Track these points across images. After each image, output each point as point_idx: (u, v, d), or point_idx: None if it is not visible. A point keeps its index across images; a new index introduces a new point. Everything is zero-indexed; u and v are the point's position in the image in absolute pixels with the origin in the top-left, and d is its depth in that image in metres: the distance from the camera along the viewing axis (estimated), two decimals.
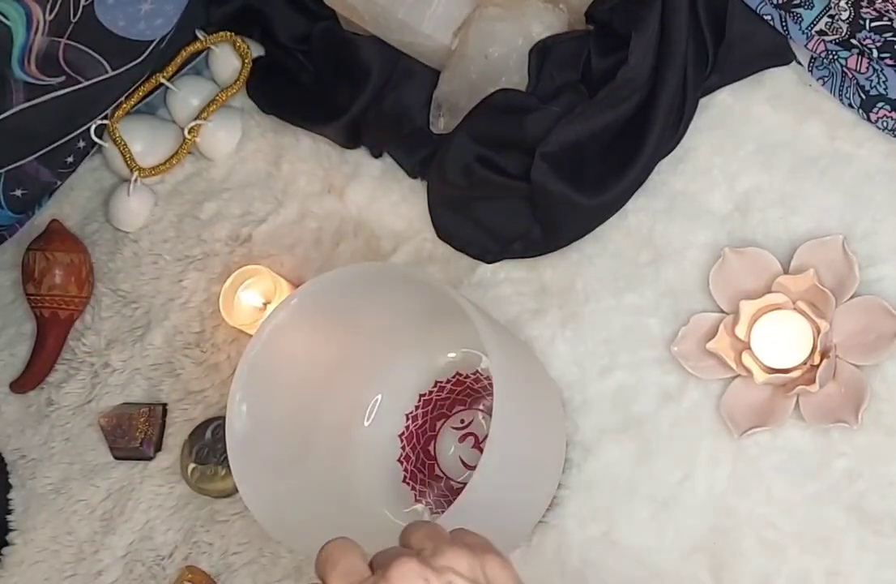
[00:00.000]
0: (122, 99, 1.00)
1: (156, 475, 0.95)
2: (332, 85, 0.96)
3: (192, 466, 0.92)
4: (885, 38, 0.78)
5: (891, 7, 0.77)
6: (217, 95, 1.01)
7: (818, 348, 0.76)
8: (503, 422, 0.69)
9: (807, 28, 0.81)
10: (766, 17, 0.82)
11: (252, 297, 0.93)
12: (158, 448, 0.96)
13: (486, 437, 0.84)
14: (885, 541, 0.74)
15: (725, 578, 0.77)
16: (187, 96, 1.02)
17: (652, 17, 0.81)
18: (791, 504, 0.77)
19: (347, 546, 0.54)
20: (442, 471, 0.86)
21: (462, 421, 0.86)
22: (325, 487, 0.82)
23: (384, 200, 0.95)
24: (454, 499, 0.68)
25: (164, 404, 0.97)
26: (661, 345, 0.82)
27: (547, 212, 0.85)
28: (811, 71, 0.83)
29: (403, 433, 0.88)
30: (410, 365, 0.87)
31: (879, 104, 0.79)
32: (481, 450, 0.83)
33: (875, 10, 0.78)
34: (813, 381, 0.75)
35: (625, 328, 0.84)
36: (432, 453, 0.86)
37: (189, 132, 1.01)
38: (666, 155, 0.85)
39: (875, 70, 0.79)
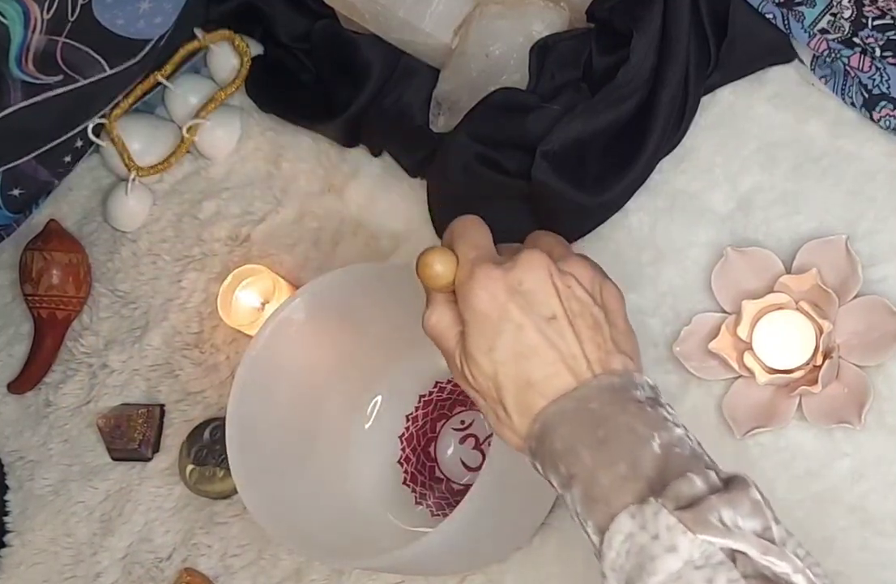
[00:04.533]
0: (121, 98, 0.99)
1: (154, 477, 0.95)
2: (331, 84, 0.96)
3: (190, 467, 0.92)
4: (888, 36, 0.78)
5: (893, 5, 0.76)
6: (216, 94, 1.01)
7: (821, 349, 0.76)
8: None
9: (809, 26, 0.80)
10: (767, 16, 0.82)
11: (250, 297, 0.92)
12: (156, 449, 0.96)
13: (486, 438, 0.84)
14: (887, 542, 0.74)
15: None
16: (186, 95, 1.02)
17: (653, 16, 0.81)
18: (793, 505, 0.76)
19: (477, 223, 0.56)
20: (442, 473, 0.86)
21: (462, 422, 0.86)
22: (326, 488, 0.82)
23: (384, 199, 0.95)
24: (455, 501, 0.68)
25: (163, 405, 0.97)
26: (662, 345, 0.82)
27: (548, 211, 0.85)
28: (813, 70, 0.83)
29: (403, 435, 0.87)
30: (410, 366, 0.87)
31: (882, 103, 0.79)
32: (482, 451, 0.84)
33: (877, 8, 0.77)
34: (815, 381, 0.75)
35: None
36: (433, 454, 0.86)
37: (188, 131, 1.00)
38: (667, 154, 0.85)
39: (878, 69, 0.79)
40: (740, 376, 0.79)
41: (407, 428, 0.87)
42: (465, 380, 0.56)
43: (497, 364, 0.53)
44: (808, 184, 0.82)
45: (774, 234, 0.81)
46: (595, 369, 0.53)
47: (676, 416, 0.53)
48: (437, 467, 0.86)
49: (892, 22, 0.77)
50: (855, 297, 0.77)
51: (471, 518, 0.68)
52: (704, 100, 0.85)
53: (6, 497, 1.00)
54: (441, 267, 0.55)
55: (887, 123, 0.79)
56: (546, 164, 0.82)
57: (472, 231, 0.56)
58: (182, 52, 1.01)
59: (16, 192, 0.98)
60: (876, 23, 0.78)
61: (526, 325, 0.53)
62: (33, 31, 0.84)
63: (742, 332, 0.78)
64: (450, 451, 0.86)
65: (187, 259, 1.00)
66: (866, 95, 0.80)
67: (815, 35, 0.80)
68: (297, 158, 0.99)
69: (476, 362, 0.54)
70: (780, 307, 0.78)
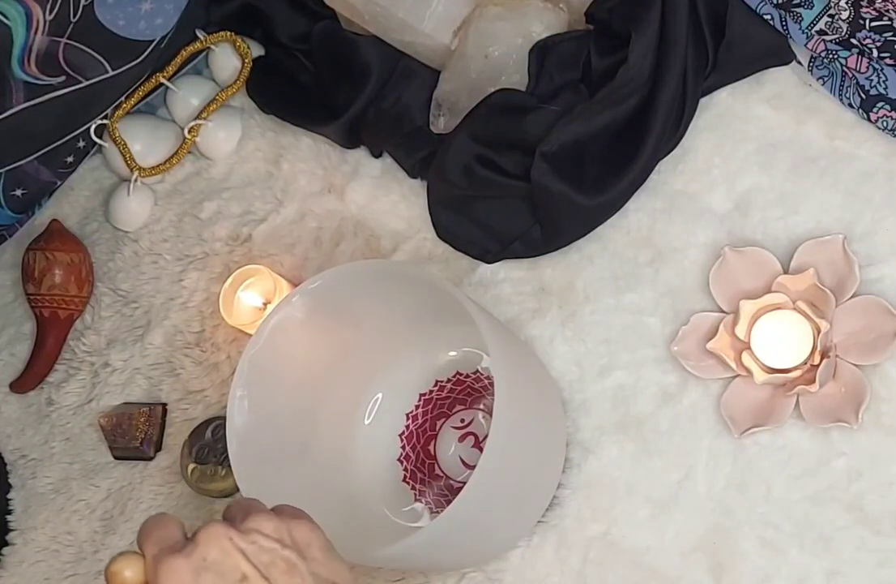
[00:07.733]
0: (122, 99, 1.00)
1: (156, 475, 0.95)
2: (331, 85, 0.96)
3: (192, 466, 0.92)
4: (885, 37, 0.78)
5: (890, 7, 0.77)
6: (217, 95, 1.01)
7: (818, 348, 0.76)
8: (503, 421, 0.69)
9: (807, 28, 0.81)
10: (766, 17, 0.82)
11: (252, 297, 0.93)
12: (158, 448, 0.96)
13: (486, 436, 0.84)
14: (884, 541, 0.74)
15: (725, 578, 0.77)
16: (187, 96, 1.03)
17: (652, 17, 0.81)
18: (791, 504, 0.77)
19: (163, 519, 0.57)
20: (442, 470, 0.86)
21: (462, 420, 0.86)
22: (325, 485, 0.82)
23: (384, 199, 0.95)
24: (454, 498, 0.68)
25: (164, 404, 0.97)
26: (661, 345, 0.82)
27: (547, 212, 0.85)
28: (811, 71, 0.83)
29: (403, 433, 0.88)
30: (411, 364, 0.87)
31: (879, 104, 0.79)
32: (481, 449, 0.83)
33: (875, 9, 0.78)
34: (813, 381, 0.75)
35: (625, 328, 0.84)
36: (432, 452, 0.86)
37: (189, 132, 1.01)
38: (666, 155, 0.85)
39: (875, 70, 0.79)
40: (738, 376, 0.79)
41: (407, 426, 0.87)
42: None
43: None
44: (806, 184, 0.82)
45: (772, 234, 0.82)
46: None
47: None
48: (436, 465, 0.86)
49: (889, 23, 0.78)
50: (852, 297, 0.77)
51: (466, 515, 0.68)
52: (703, 101, 0.85)
53: (9, 496, 1.00)
54: (130, 573, 0.54)
55: (885, 123, 0.79)
56: (545, 165, 0.83)
57: (156, 528, 0.56)
58: (184, 53, 1.02)
59: (18, 192, 0.98)
60: (873, 24, 0.78)
61: None
62: (35, 32, 0.85)
63: (740, 331, 0.78)
64: (449, 449, 0.86)
65: (188, 259, 1.00)
66: (864, 96, 0.80)
67: (812, 36, 0.81)
68: (297, 159, 0.99)
69: None
70: (777, 307, 0.78)
